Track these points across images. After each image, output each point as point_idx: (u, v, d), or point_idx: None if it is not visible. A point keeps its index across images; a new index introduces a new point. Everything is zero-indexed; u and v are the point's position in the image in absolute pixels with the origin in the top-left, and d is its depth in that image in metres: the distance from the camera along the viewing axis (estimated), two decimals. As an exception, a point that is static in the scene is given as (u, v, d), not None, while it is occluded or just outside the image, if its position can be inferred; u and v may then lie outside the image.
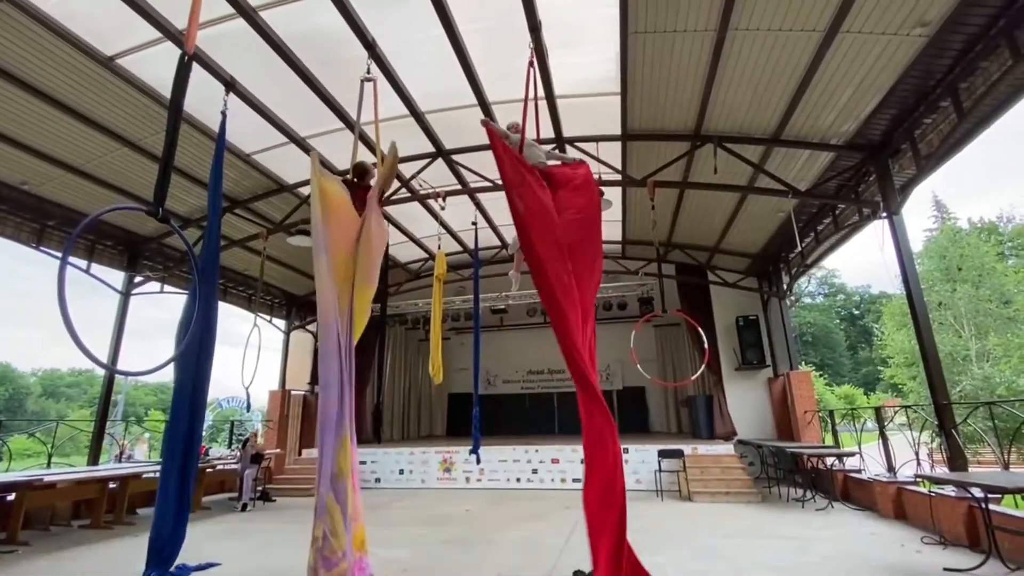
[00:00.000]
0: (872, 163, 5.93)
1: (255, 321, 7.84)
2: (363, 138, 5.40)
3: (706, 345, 6.08)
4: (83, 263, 7.85)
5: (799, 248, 7.78)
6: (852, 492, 6.87)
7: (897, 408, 7.04)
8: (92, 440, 7.94)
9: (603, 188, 6.71)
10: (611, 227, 9.91)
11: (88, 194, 7.17)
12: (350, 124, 6.64)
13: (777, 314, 9.96)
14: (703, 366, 5.79)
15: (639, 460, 8.51)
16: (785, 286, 9.42)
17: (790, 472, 7.94)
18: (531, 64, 4.63)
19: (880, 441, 6.26)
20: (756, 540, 5.12)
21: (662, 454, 7.87)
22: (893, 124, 5.61)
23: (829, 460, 7.01)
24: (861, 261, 55.17)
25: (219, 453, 9.25)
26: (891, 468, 6.13)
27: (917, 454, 5.64)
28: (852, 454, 6.61)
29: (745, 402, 10.04)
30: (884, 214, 5.67)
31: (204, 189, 7.64)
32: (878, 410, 6.52)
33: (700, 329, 6.24)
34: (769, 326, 10.21)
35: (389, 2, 5.05)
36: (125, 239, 8.29)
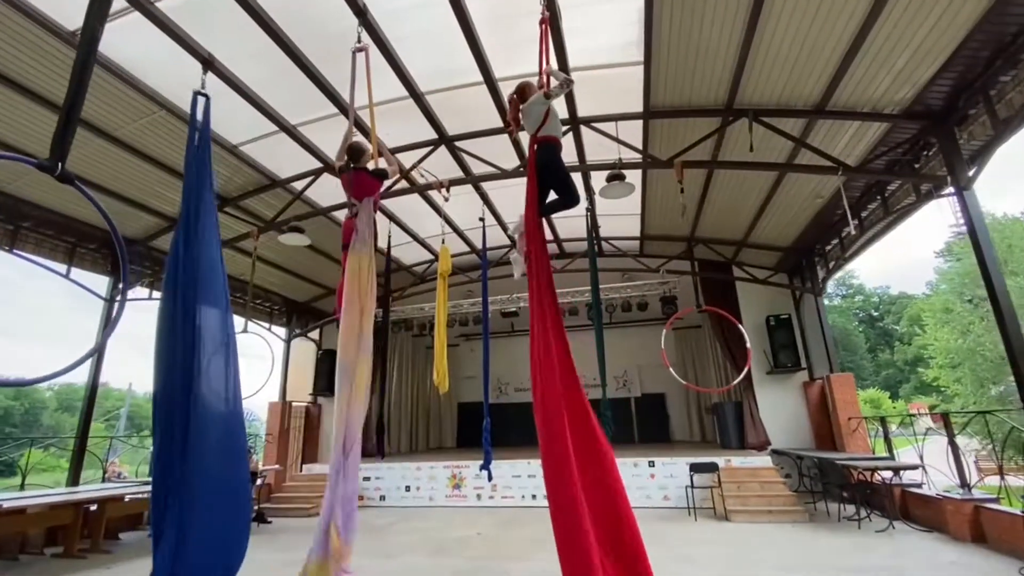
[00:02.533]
0: (933, 133, 5.20)
1: (245, 327, 7.24)
2: (357, 123, 4.82)
3: (748, 345, 5.35)
4: (63, 268, 7.31)
5: (848, 231, 6.98)
6: (914, 510, 6.06)
7: (925, 412, 6.23)
8: (72, 458, 7.35)
9: (624, 172, 6.06)
10: (629, 222, 9.21)
11: (59, 190, 6.63)
12: (344, 109, 6.05)
13: (812, 312, 9.16)
14: (746, 369, 5.05)
15: (667, 474, 7.73)
16: (821, 281, 8.63)
17: (838, 487, 7.12)
18: (543, 23, 4.03)
19: (949, 451, 5.45)
20: (818, 575, 4.35)
21: (694, 468, 7.09)
22: (958, 87, 4.88)
23: (885, 473, 6.21)
24: (879, 261, 53.78)
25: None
26: (964, 483, 5.32)
27: (1001, 467, 4.84)
28: (915, 467, 5.81)
29: (779, 409, 9.22)
30: (951, 190, 4.93)
31: (191, 186, 7.07)
32: (946, 417, 5.71)
33: (742, 327, 5.49)
34: (803, 326, 9.40)
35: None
36: (109, 241, 7.74)
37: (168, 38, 4.83)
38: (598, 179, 6.70)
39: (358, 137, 3.89)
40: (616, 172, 5.91)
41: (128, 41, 4.89)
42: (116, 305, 8.17)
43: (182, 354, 2.91)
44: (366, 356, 3.61)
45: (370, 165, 4.03)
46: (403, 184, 7.21)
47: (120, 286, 7.85)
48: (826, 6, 4.42)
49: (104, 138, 5.89)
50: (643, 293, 9.68)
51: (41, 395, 44.95)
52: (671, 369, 5.10)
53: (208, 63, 5.05)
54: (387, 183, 5.71)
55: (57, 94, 5.27)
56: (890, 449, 6.87)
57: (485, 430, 6.80)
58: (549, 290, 3.22)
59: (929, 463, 5.94)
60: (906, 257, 62.09)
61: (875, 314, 48.86)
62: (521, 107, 3.60)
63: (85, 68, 2.46)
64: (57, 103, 5.34)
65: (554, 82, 3.59)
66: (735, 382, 5.31)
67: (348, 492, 3.18)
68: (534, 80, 4.05)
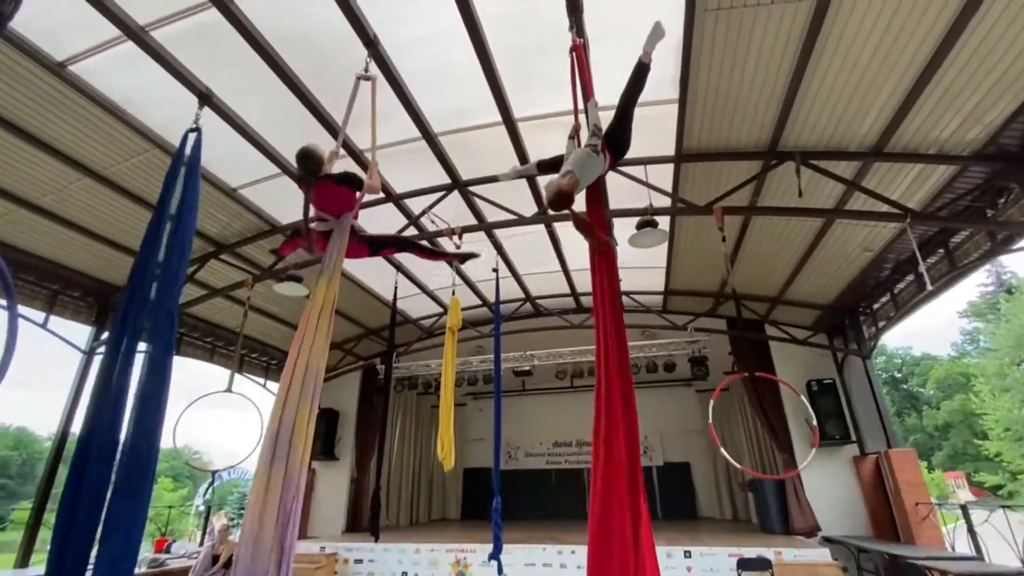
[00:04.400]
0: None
1: (230, 380, 6.51)
2: (347, 145, 4.32)
3: (814, 423, 4.52)
4: (40, 316, 6.74)
5: (900, 288, 6.27)
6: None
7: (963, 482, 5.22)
8: (24, 534, 6.44)
9: (656, 218, 5.49)
10: (652, 275, 8.57)
11: (44, 234, 6.16)
12: (355, 153, 5.63)
13: (858, 377, 8.27)
14: (813, 450, 4.20)
15: (705, 568, 6.62)
16: (870, 343, 7.82)
17: (914, 590, 5.97)
18: (574, 50, 3.61)
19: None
20: None
21: (742, 565, 6.01)
22: (1040, 126, 4.32)
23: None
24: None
25: (185, 549, 7.61)
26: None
27: None
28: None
29: (827, 487, 8.13)
30: (1041, 240, 4.26)
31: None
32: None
33: (805, 399, 4.67)
34: (848, 392, 8.47)
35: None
36: (95, 289, 7.22)
37: (164, 70, 4.47)
38: (623, 227, 6.12)
39: (310, 143, 3.18)
40: (648, 219, 5.33)
41: (120, 73, 4.53)
42: (96, 358, 7.56)
43: (114, 396, 2.73)
44: (309, 415, 2.65)
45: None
46: (412, 231, 6.68)
47: (102, 337, 7.25)
48: (885, 46, 3.95)
49: (91, 176, 5.46)
50: (669, 353, 8.86)
51: (40, 445, 43.63)
52: (723, 451, 4.25)
53: (205, 98, 4.68)
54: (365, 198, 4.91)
55: (37, 125, 4.88)
56: (976, 546, 5.78)
57: (495, 511, 5.87)
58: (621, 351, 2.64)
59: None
60: (927, 317, 60.56)
61: (898, 376, 46.98)
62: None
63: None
64: (39, 137, 4.95)
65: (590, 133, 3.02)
66: (802, 467, 4.43)
67: None
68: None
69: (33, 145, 4.97)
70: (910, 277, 6.57)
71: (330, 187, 3.16)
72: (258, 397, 10.04)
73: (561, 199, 2.49)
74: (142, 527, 2.53)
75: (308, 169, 3.10)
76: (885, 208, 5.10)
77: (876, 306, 7.59)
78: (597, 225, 2.99)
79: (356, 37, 4.26)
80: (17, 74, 4.30)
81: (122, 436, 2.65)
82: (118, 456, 2.59)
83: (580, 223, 2.87)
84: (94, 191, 5.71)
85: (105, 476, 2.56)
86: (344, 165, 4.04)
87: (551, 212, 2.81)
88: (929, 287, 4.84)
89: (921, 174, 5.02)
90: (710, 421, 4.11)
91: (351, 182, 3.20)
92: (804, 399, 4.65)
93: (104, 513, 2.46)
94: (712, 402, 4.16)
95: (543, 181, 6.42)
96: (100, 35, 4.16)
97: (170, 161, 4.40)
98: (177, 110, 4.58)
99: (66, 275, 6.89)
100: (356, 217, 3.37)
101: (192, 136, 4.40)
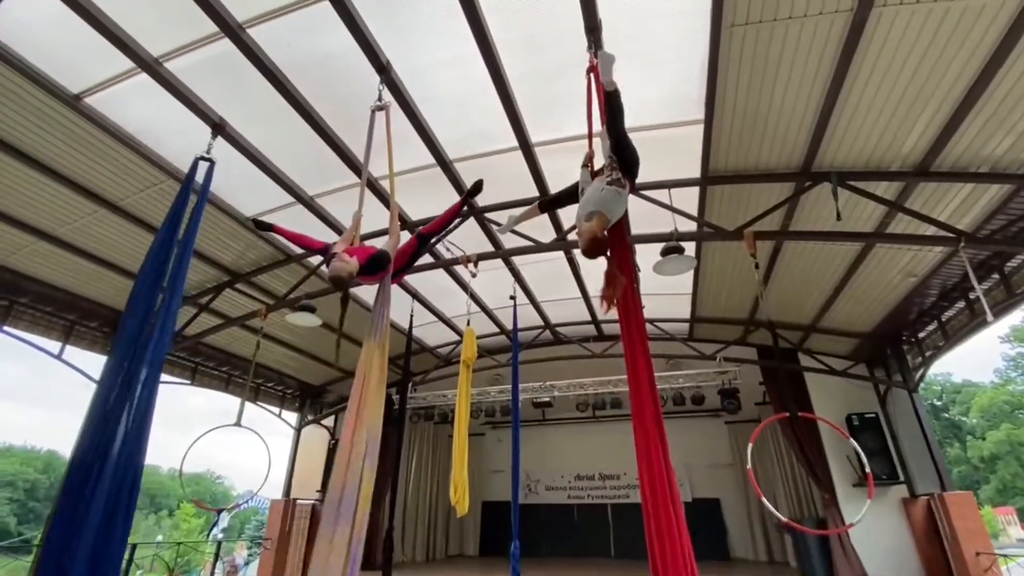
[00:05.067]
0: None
1: (240, 412, 6.32)
2: (371, 185, 4.21)
3: (868, 469, 4.08)
4: (56, 346, 6.73)
5: (948, 317, 5.81)
6: None
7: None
8: (32, 568, 6.27)
9: (682, 244, 5.21)
10: (677, 302, 8.21)
11: (62, 265, 6.17)
12: (379, 193, 5.52)
13: (904, 411, 7.67)
14: (868, 501, 3.76)
15: (743, 622, 6.05)
16: (917, 374, 7.27)
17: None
18: (591, 71, 3.45)
19: None
20: None
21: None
22: (1106, 141, 3.94)
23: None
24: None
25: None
26: None
27: None
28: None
29: (874, 532, 7.47)
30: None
31: (203, 262, 6.59)
32: None
33: (852, 441, 4.24)
34: (893, 427, 7.87)
35: (404, 21, 4.00)
36: (112, 318, 7.20)
37: (178, 101, 4.44)
38: (647, 253, 5.84)
39: (337, 268, 2.80)
40: (673, 245, 5.05)
41: (135, 104, 4.52)
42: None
43: (110, 417, 2.74)
44: (371, 477, 2.67)
45: (379, 243, 3.21)
46: (427, 259, 6.51)
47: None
48: (930, 60, 3.67)
49: (107, 207, 5.45)
50: (697, 384, 8.41)
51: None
52: (766, 501, 3.83)
53: (219, 127, 4.63)
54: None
55: (53, 157, 4.89)
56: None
57: (513, 557, 5.49)
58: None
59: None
60: (966, 342, 57.73)
61: (938, 404, 44.67)
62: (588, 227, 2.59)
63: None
64: (56, 169, 4.96)
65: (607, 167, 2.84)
66: (857, 520, 3.96)
67: None
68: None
69: (50, 177, 4.98)
70: (960, 304, 6.08)
71: (364, 277, 3.01)
72: (272, 427, 9.90)
73: (597, 245, 2.44)
74: (122, 549, 2.60)
75: (341, 288, 2.93)
76: (932, 231, 4.72)
77: (922, 335, 7.08)
78: (621, 264, 2.78)
79: (368, 63, 4.17)
80: (33, 107, 4.32)
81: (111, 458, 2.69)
82: (104, 478, 2.62)
83: (611, 277, 2.65)
84: (110, 221, 5.71)
85: (92, 498, 2.58)
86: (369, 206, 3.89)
87: (587, 259, 2.60)
88: (990, 318, 4.39)
89: (972, 194, 4.65)
90: (748, 466, 3.73)
91: (381, 266, 3.01)
92: (854, 443, 4.20)
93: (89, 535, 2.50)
94: (751, 445, 3.78)
95: (563, 214, 6.25)
96: (115, 67, 4.15)
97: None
98: (192, 140, 4.52)
99: (84, 306, 6.89)
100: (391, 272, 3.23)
101: (203, 165, 4.38)
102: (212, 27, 3.89)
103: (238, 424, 6.10)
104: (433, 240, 4.09)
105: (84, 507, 2.53)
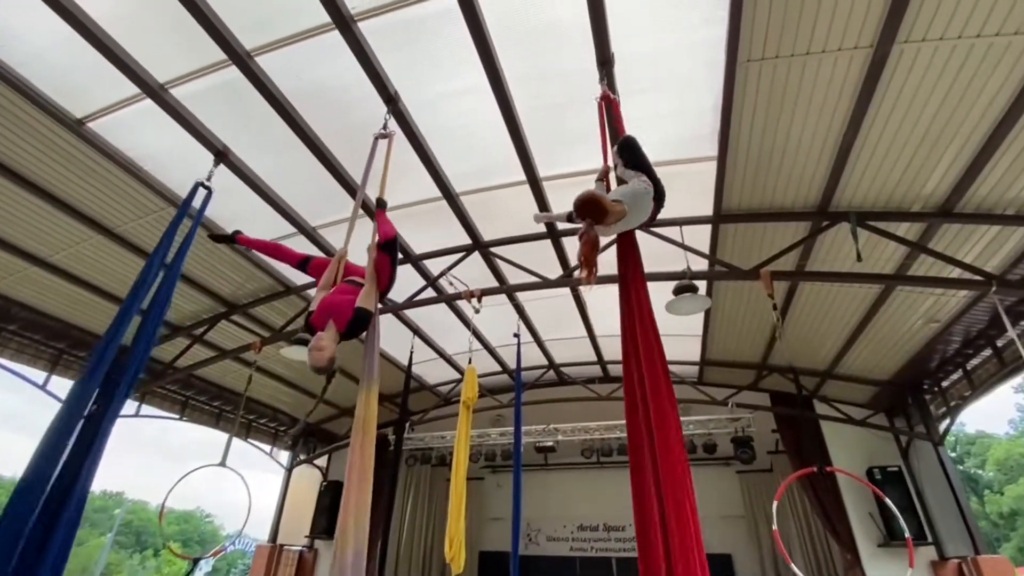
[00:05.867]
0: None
1: (225, 452, 5.98)
2: (366, 207, 4.07)
3: (907, 534, 3.72)
4: (41, 375, 6.48)
5: (974, 365, 5.52)
6: None
7: None
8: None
9: (695, 282, 5.00)
10: (686, 344, 7.94)
11: (56, 291, 6.01)
12: (370, 210, 5.40)
13: (929, 465, 7.24)
14: (910, 571, 3.39)
15: None
16: (941, 425, 6.89)
17: None
18: (604, 100, 3.38)
19: None
20: None
21: None
22: None
23: None
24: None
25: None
26: None
27: None
28: None
29: (902, 598, 6.91)
30: None
31: (199, 292, 6.42)
32: None
33: (888, 501, 3.89)
34: (918, 482, 7.42)
35: (413, 52, 3.95)
36: (102, 349, 6.97)
37: (181, 127, 4.37)
38: (656, 292, 5.62)
39: (312, 358, 2.54)
40: (686, 283, 4.85)
41: (139, 130, 4.45)
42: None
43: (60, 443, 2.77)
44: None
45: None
46: (429, 292, 6.32)
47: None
48: (952, 99, 3.56)
49: (104, 234, 5.32)
50: (709, 432, 8.01)
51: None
52: (796, 568, 3.45)
53: (222, 155, 4.56)
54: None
55: (52, 181, 4.79)
56: None
57: (511, 622, 5.04)
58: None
59: None
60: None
61: (953, 455, 43.24)
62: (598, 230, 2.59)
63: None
64: (55, 194, 4.86)
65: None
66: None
67: None
68: (593, 184, 3.28)
69: (47, 201, 4.88)
70: (986, 352, 5.80)
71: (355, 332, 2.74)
72: (265, 465, 9.47)
73: (592, 206, 2.33)
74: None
75: (325, 373, 2.69)
76: (957, 273, 4.51)
77: (946, 384, 6.75)
78: (635, 282, 2.61)
79: (376, 93, 4.10)
80: (35, 130, 4.25)
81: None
82: (49, 504, 2.63)
83: (587, 237, 2.52)
84: (107, 248, 5.58)
85: (36, 523, 2.57)
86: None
87: (574, 215, 2.40)
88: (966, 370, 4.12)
89: (999, 236, 4.46)
90: (775, 526, 3.38)
91: (364, 325, 2.74)
92: (891, 504, 3.84)
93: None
94: (775, 503, 3.45)
95: (567, 242, 6.11)
96: (120, 92, 4.10)
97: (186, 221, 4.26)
98: (195, 168, 4.43)
99: (75, 334, 6.68)
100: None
101: (201, 191, 4.27)
102: (219, 55, 3.85)
103: (222, 464, 5.76)
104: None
105: (23, 531, 2.49)
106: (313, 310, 2.73)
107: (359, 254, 3.18)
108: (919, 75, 3.45)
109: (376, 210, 3.31)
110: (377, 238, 3.02)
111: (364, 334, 2.86)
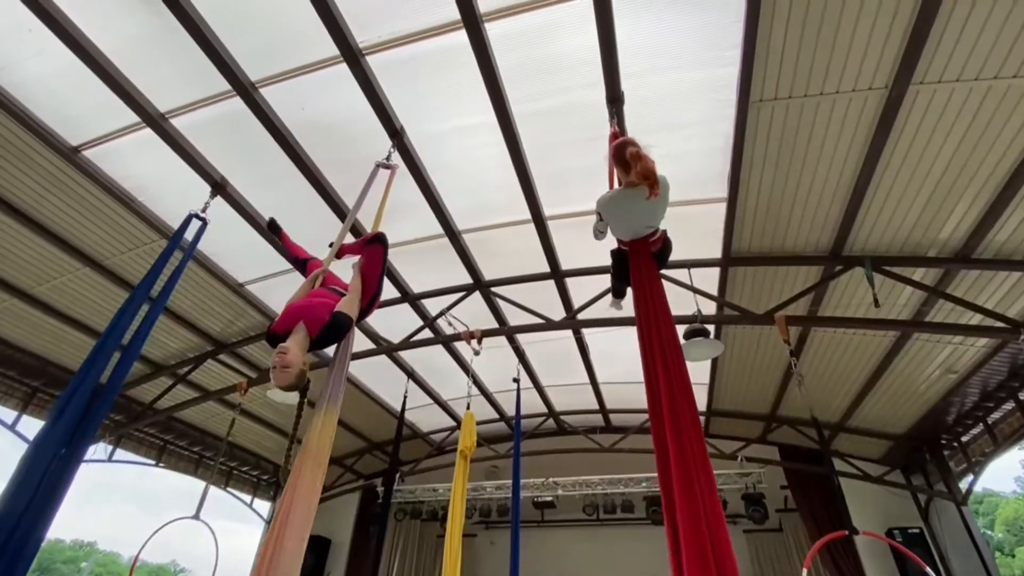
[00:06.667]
0: None
1: (200, 503, 5.53)
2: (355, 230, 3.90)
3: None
4: (12, 415, 6.08)
5: (994, 419, 5.24)
6: None
7: None
8: None
9: (706, 326, 4.80)
10: (695, 393, 7.61)
11: (35, 326, 5.72)
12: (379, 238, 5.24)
13: (953, 526, 6.80)
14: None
15: None
16: (959, 480, 6.52)
17: None
18: (613, 138, 3.30)
19: None
20: None
21: None
22: None
23: None
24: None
25: None
26: None
27: None
28: None
29: None
30: None
31: (186, 328, 6.15)
32: None
33: (928, 570, 3.53)
34: (941, 545, 6.95)
35: (420, 88, 3.91)
36: (79, 388, 6.59)
37: (180, 158, 4.26)
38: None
39: (281, 374, 2.17)
40: (698, 327, 4.64)
41: (135, 159, 4.33)
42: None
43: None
44: None
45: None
46: (427, 334, 6.07)
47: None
48: (969, 142, 3.50)
49: (91, 266, 5.12)
50: (719, 487, 7.56)
51: (63, 552, 40.02)
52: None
53: (220, 187, 4.44)
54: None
55: (40, 209, 4.62)
56: None
57: None
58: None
59: None
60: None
61: (962, 514, 41.83)
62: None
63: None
64: (40, 222, 4.68)
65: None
66: None
67: None
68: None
69: (33, 230, 4.70)
70: (1009, 405, 5.55)
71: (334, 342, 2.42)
72: (240, 515, 8.86)
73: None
74: None
75: (295, 390, 2.30)
76: (978, 320, 4.34)
77: (966, 439, 6.44)
78: (658, 311, 2.61)
79: (381, 127, 4.03)
80: (26, 156, 4.12)
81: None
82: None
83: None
84: (93, 281, 5.36)
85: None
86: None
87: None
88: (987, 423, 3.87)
89: (1019, 283, 4.32)
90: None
91: (340, 334, 2.39)
92: (931, 573, 3.48)
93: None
94: (804, 571, 3.10)
95: (571, 283, 5.93)
96: (118, 120, 4.01)
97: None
98: (190, 201, 4.29)
99: (52, 372, 6.33)
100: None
101: (195, 223, 4.12)
102: (223, 85, 3.78)
103: (195, 517, 5.30)
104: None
105: None
106: (274, 330, 2.30)
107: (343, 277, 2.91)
108: (935, 117, 3.39)
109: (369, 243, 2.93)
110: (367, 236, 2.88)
111: (336, 347, 2.45)
